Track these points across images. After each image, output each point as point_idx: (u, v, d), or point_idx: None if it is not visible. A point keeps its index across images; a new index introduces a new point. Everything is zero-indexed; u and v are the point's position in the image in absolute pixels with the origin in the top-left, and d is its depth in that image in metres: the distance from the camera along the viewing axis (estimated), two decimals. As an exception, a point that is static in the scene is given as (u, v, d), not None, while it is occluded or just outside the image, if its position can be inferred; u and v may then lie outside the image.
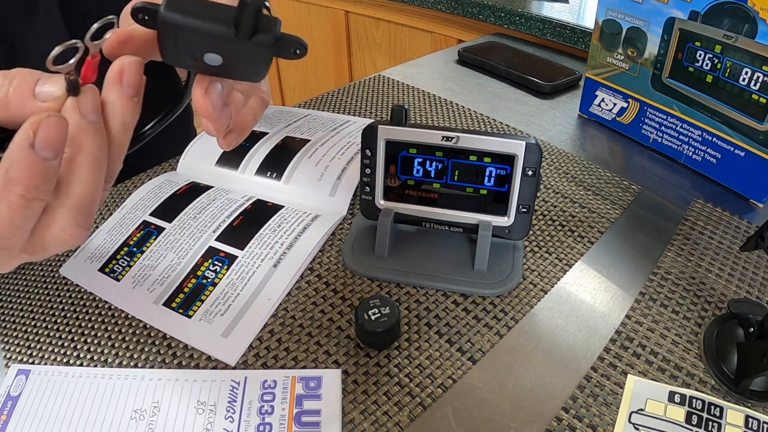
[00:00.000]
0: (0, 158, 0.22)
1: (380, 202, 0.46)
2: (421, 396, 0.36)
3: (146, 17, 0.24)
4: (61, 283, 0.45)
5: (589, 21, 0.88)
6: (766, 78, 0.48)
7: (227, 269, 0.44)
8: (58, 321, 0.42)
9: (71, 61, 0.23)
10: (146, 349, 0.39)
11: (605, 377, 0.37)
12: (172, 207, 0.51)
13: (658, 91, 0.59)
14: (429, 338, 0.40)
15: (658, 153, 0.62)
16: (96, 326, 0.41)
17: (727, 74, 0.51)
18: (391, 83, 0.79)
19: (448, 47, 1.01)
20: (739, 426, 0.33)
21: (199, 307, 0.41)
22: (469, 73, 0.83)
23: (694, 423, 0.33)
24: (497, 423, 0.34)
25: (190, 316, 0.41)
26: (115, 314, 0.42)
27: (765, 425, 0.33)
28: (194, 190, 0.53)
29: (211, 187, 0.54)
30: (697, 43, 0.53)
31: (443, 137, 0.42)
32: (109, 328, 0.41)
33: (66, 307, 0.43)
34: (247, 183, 0.54)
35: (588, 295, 0.43)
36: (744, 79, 0.50)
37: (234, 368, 0.38)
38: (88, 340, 0.40)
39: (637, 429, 0.33)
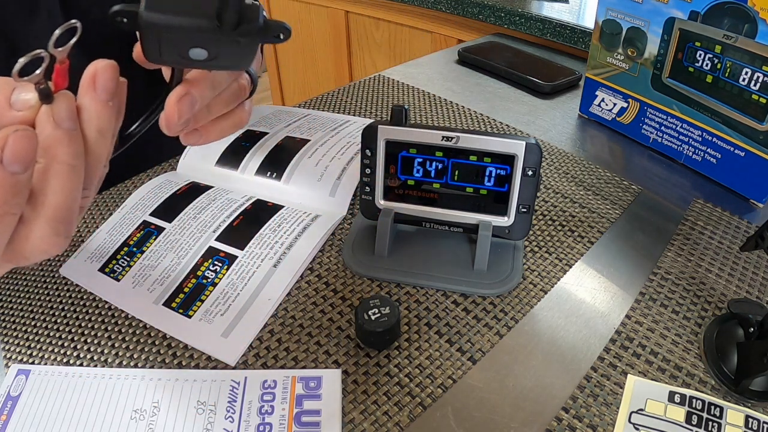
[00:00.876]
0: None
1: (380, 202, 0.46)
2: (421, 396, 0.36)
3: (125, 20, 0.24)
4: (61, 283, 0.45)
5: (589, 21, 0.88)
6: (766, 78, 0.48)
7: (227, 269, 0.44)
8: (58, 321, 0.42)
9: (37, 71, 0.22)
10: (146, 349, 0.39)
11: (605, 377, 0.37)
12: (172, 207, 0.51)
13: (658, 91, 0.59)
14: (429, 338, 0.40)
15: (658, 153, 0.62)
16: (96, 326, 0.41)
17: (727, 74, 0.51)
18: (391, 83, 0.79)
19: (448, 47, 1.01)
20: (739, 426, 0.33)
21: (199, 307, 0.41)
22: (469, 73, 0.83)
23: (694, 423, 0.33)
24: (497, 423, 0.34)
25: (190, 316, 0.41)
26: (115, 314, 0.42)
27: (765, 425, 0.33)
28: (194, 190, 0.53)
29: (211, 187, 0.54)
30: (697, 43, 0.53)
31: (443, 137, 0.42)
32: (109, 328, 0.41)
33: (66, 307, 0.43)
34: (247, 183, 0.54)
35: (588, 295, 0.43)
36: (744, 79, 0.50)
37: (234, 368, 0.38)
38: (88, 340, 0.40)
39: (637, 429, 0.33)
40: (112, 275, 0.45)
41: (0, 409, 0.35)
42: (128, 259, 0.46)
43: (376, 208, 0.46)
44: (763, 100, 0.49)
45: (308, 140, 0.58)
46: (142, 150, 0.64)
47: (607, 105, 0.66)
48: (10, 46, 0.51)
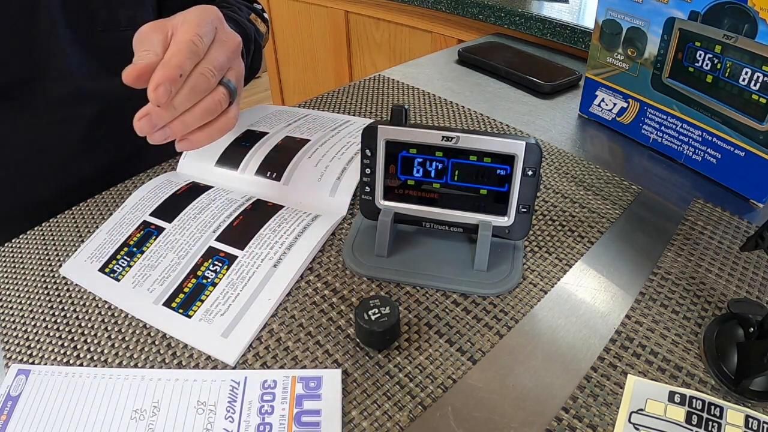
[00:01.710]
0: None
1: (380, 202, 0.46)
2: (421, 396, 0.36)
3: None
4: (61, 283, 0.45)
5: (589, 21, 0.88)
6: (766, 78, 0.48)
7: (227, 269, 0.44)
8: (58, 321, 0.42)
9: None
10: (146, 349, 0.39)
11: (605, 377, 0.37)
12: (172, 207, 0.51)
13: (658, 91, 0.59)
14: (429, 338, 0.40)
15: (658, 153, 0.62)
16: (96, 326, 0.41)
17: (727, 74, 0.51)
18: (391, 83, 0.79)
19: (448, 47, 1.01)
20: (739, 426, 0.33)
21: (199, 307, 0.41)
22: (469, 73, 0.83)
23: (694, 423, 0.33)
24: (497, 423, 0.34)
25: (190, 316, 0.41)
26: (115, 314, 0.42)
27: (765, 425, 0.33)
28: (194, 190, 0.53)
29: (211, 187, 0.54)
30: (697, 43, 0.53)
31: (443, 137, 0.42)
32: (109, 328, 0.41)
33: (66, 307, 0.43)
34: (247, 183, 0.54)
35: (588, 295, 0.43)
36: (744, 79, 0.50)
37: (234, 368, 0.38)
38: (88, 340, 0.40)
39: (637, 429, 0.33)
40: (112, 275, 0.45)
41: (0, 409, 0.35)
42: (128, 259, 0.46)
43: (376, 208, 0.46)
44: (763, 100, 0.49)
45: (308, 140, 0.58)
46: (142, 150, 0.65)
47: (607, 105, 0.66)
48: (12, 46, 0.51)
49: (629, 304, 0.42)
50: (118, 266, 0.45)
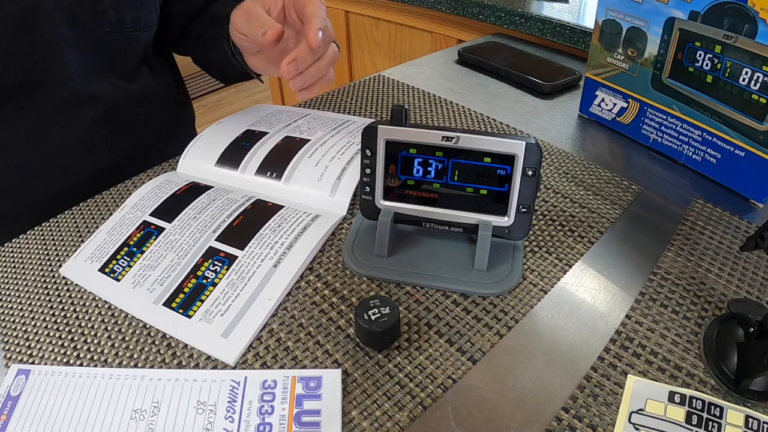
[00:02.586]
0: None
1: (380, 202, 0.46)
2: (421, 396, 0.36)
3: None
4: (61, 283, 0.45)
5: (589, 21, 0.88)
6: (766, 78, 0.48)
7: (227, 269, 0.44)
8: (58, 321, 0.42)
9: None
10: (146, 349, 0.39)
11: (605, 377, 0.37)
12: (172, 207, 0.51)
13: (658, 91, 0.59)
14: (429, 338, 0.40)
15: (658, 153, 0.62)
16: (96, 326, 0.41)
17: (727, 74, 0.51)
18: (391, 83, 0.79)
19: (448, 47, 1.01)
20: (739, 426, 0.33)
21: (199, 307, 0.41)
22: (469, 73, 0.83)
23: (694, 423, 0.33)
24: (497, 423, 0.34)
25: (190, 316, 0.41)
26: (115, 314, 0.42)
27: (765, 425, 0.33)
28: (194, 190, 0.53)
29: (211, 187, 0.54)
30: (697, 43, 0.53)
31: (443, 137, 0.42)
32: (109, 328, 0.41)
33: (66, 307, 0.43)
34: (247, 183, 0.54)
35: (588, 295, 0.43)
36: (744, 79, 0.50)
37: (234, 368, 0.38)
38: (88, 340, 0.40)
39: (637, 429, 0.33)
40: (112, 275, 0.45)
41: (0, 409, 0.35)
42: (128, 259, 0.46)
43: (376, 208, 0.46)
44: (763, 100, 0.49)
45: (308, 140, 0.58)
46: (142, 150, 0.65)
47: (607, 105, 0.66)
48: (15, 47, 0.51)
49: (629, 304, 0.42)
50: (118, 266, 0.45)
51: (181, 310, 0.41)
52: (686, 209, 0.53)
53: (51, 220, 0.53)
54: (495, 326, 0.41)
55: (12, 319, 0.42)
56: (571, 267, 0.46)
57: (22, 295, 0.44)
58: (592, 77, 0.67)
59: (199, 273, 0.44)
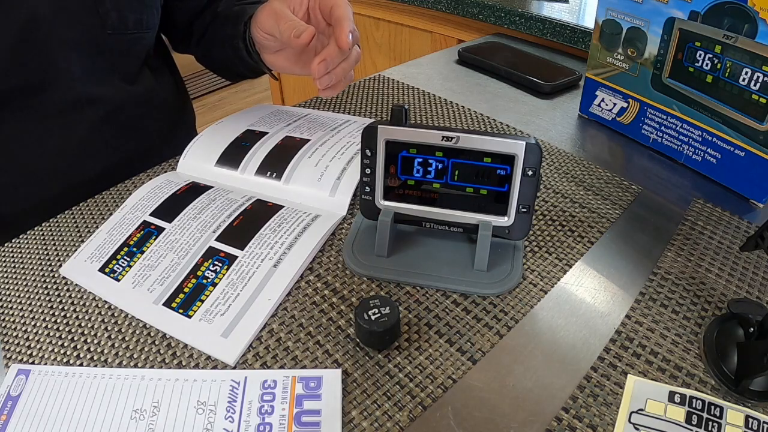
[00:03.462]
0: None
1: (380, 202, 0.46)
2: (421, 396, 0.36)
3: None
4: (61, 283, 0.45)
5: (589, 21, 0.88)
6: (766, 78, 0.48)
7: (227, 269, 0.44)
8: (58, 321, 0.42)
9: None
10: (146, 349, 0.39)
11: (605, 377, 0.37)
12: (172, 207, 0.51)
13: (658, 91, 0.59)
14: (429, 338, 0.40)
15: (658, 153, 0.62)
16: (96, 326, 0.41)
17: (727, 74, 0.51)
18: (391, 83, 0.79)
19: (448, 47, 1.01)
20: (739, 426, 0.33)
21: (199, 307, 0.41)
22: (469, 73, 0.83)
23: (694, 423, 0.33)
24: (497, 423, 0.34)
25: (190, 316, 0.41)
26: (115, 314, 0.42)
27: (765, 425, 0.33)
28: (194, 190, 0.53)
29: (211, 187, 0.54)
30: (697, 43, 0.53)
31: (443, 137, 0.42)
32: (109, 328, 0.41)
33: (66, 307, 0.43)
34: (247, 183, 0.54)
35: (588, 295, 0.43)
36: (744, 79, 0.50)
37: (234, 368, 0.38)
38: (88, 340, 0.40)
39: (637, 429, 0.33)
40: (112, 275, 0.45)
41: (0, 409, 0.35)
42: (128, 259, 0.46)
43: (376, 208, 0.46)
44: (763, 100, 0.49)
45: (308, 140, 0.58)
46: (142, 150, 0.65)
47: (607, 105, 0.66)
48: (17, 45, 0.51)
49: (629, 304, 0.42)
50: (118, 266, 0.45)
51: (181, 310, 0.41)
52: (686, 209, 0.53)
53: (51, 220, 0.53)
54: (495, 326, 0.41)
55: (12, 319, 0.42)
56: (571, 267, 0.46)
57: (22, 295, 0.44)
58: (592, 77, 0.67)
59: (199, 273, 0.44)
